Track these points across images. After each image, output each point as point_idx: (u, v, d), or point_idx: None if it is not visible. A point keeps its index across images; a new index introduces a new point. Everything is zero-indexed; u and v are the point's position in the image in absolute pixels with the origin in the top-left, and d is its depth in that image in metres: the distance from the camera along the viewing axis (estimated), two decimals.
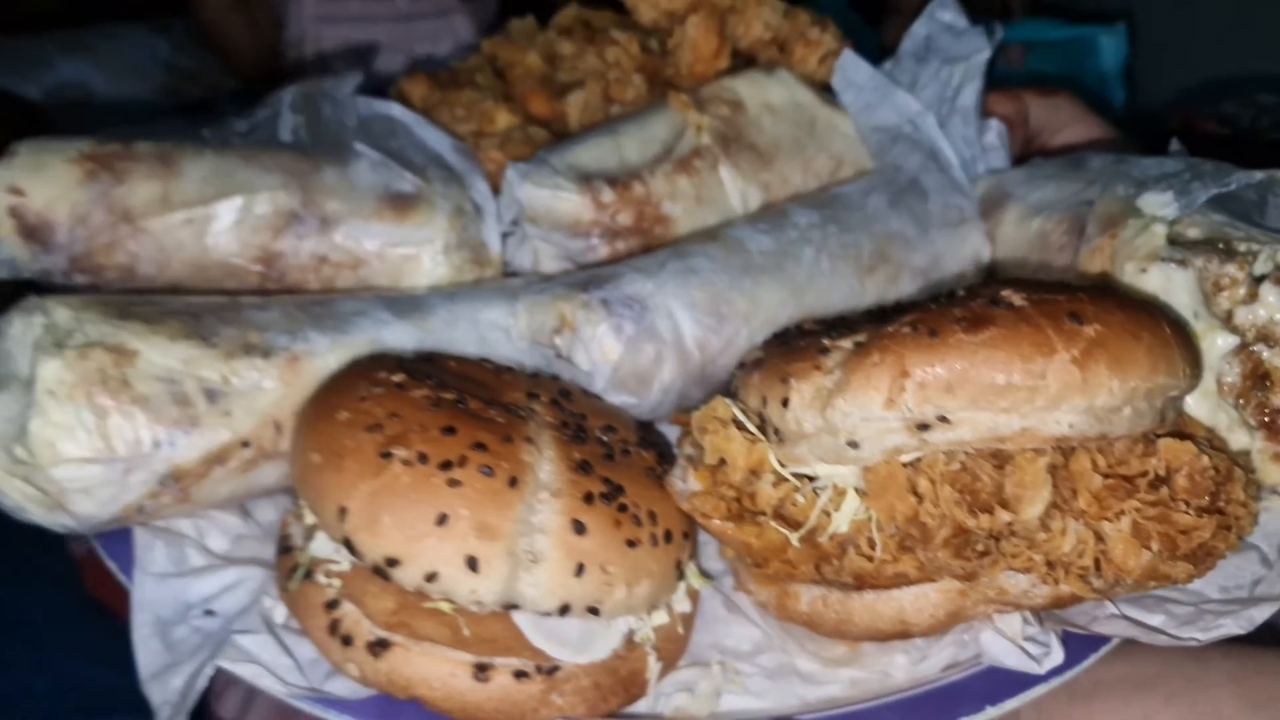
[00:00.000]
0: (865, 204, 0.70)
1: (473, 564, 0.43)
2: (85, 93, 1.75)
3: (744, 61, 0.86)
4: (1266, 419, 0.54)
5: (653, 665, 0.49)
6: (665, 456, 0.56)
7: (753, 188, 0.76)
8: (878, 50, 0.84)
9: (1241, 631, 0.48)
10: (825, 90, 0.84)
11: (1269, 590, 0.50)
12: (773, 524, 0.49)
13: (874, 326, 0.49)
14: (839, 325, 0.54)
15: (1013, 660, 0.48)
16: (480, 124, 0.83)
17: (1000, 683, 0.49)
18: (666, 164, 0.74)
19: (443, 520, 0.44)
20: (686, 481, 0.52)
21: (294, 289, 0.68)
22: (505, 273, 0.74)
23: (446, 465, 0.45)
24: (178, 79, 1.75)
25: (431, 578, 0.43)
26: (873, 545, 0.48)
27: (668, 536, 0.50)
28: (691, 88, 0.83)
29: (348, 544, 0.45)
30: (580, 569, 0.45)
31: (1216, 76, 1.18)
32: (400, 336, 0.60)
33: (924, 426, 0.45)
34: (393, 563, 0.44)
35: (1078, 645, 0.49)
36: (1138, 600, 0.50)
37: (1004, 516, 0.45)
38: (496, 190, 0.74)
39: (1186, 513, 0.46)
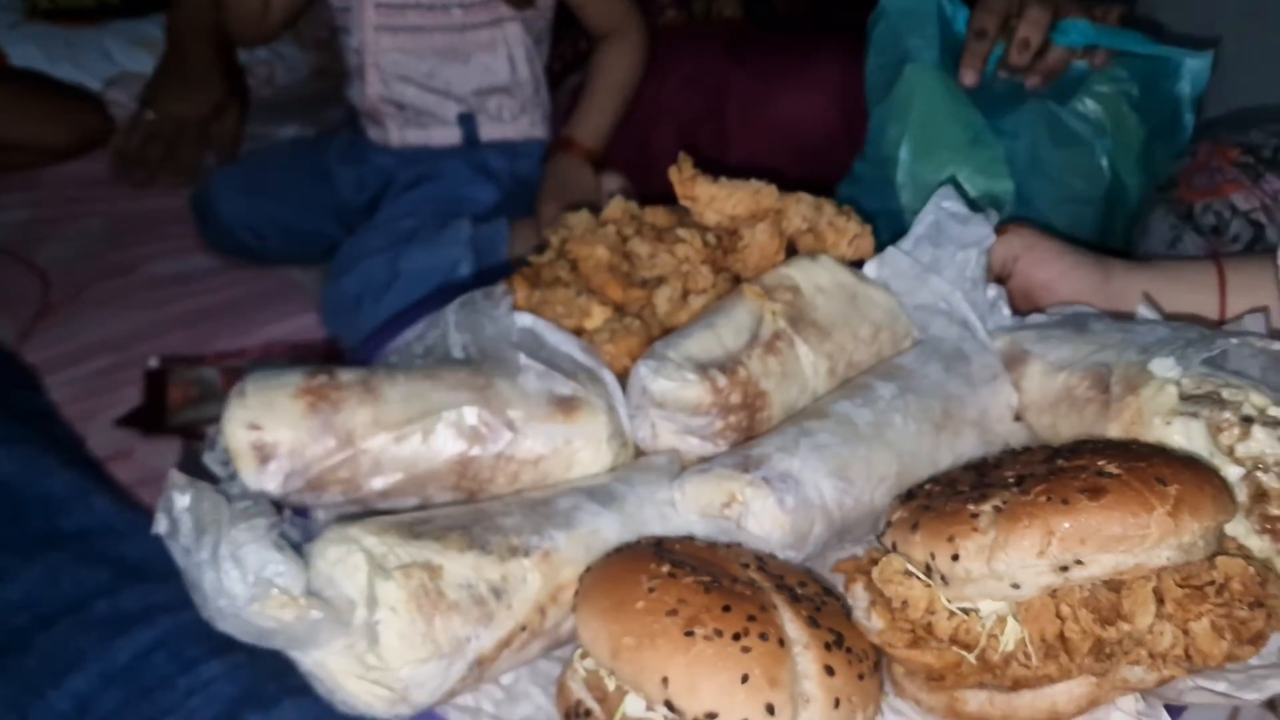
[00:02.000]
0: (926, 373, 0.89)
1: (770, 709, 0.59)
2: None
3: (787, 249, 1.05)
4: (1269, 526, 0.74)
5: None
6: (835, 595, 0.72)
7: (820, 358, 0.94)
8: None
9: None
10: (854, 266, 1.03)
11: None
12: (951, 649, 0.66)
13: (1003, 492, 0.67)
14: (960, 488, 0.72)
15: None
16: (579, 320, 0.99)
17: None
18: (757, 348, 0.91)
19: (745, 679, 0.59)
20: (871, 620, 0.69)
21: (483, 487, 0.82)
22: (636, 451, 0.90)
23: (736, 636, 0.60)
24: None
25: (710, 717, 0.58)
26: (1028, 656, 0.65)
27: (875, 667, 0.66)
28: (751, 277, 1.01)
29: (669, 705, 0.59)
30: (836, 703, 0.61)
31: (1252, 104, 1.23)
32: (609, 523, 0.75)
33: (1064, 568, 0.63)
34: (711, 715, 0.58)
35: (1174, 712, 0.67)
36: (1206, 674, 0.68)
37: (1125, 627, 0.63)
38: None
39: (1242, 609, 0.65)
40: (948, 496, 0.70)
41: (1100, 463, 0.66)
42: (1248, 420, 0.76)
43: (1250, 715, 0.76)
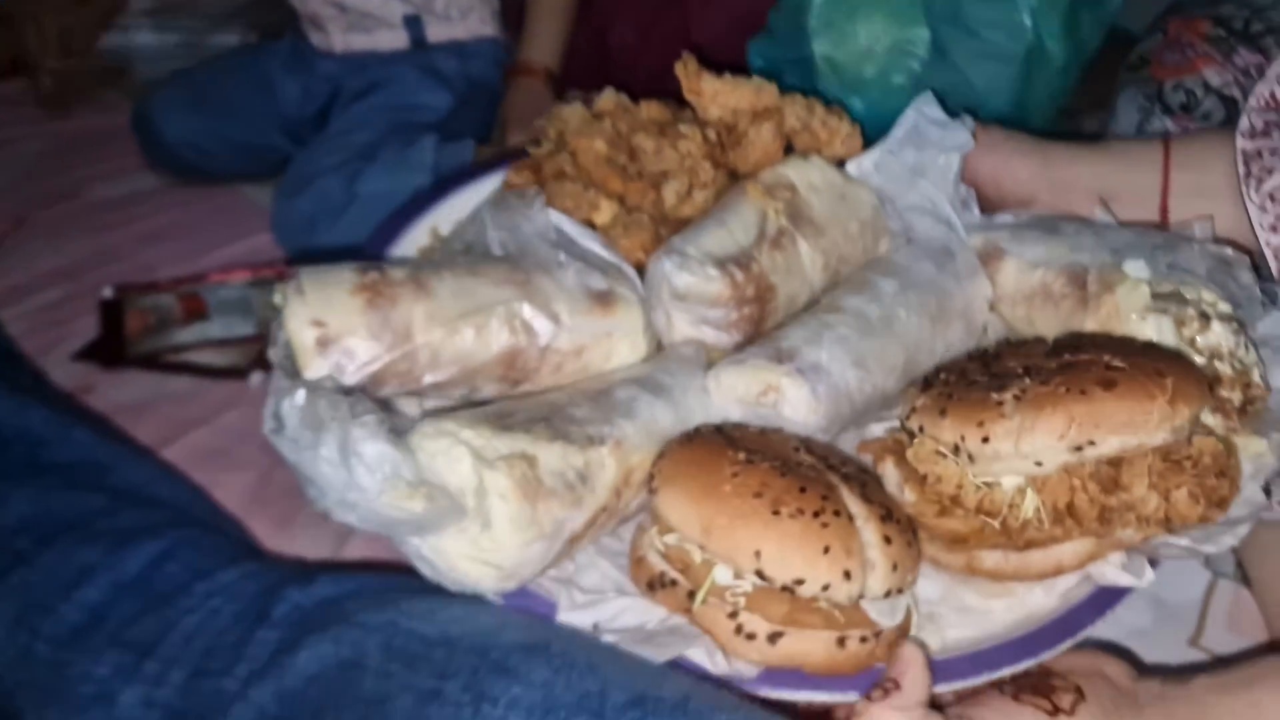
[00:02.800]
0: (921, 269, 0.97)
1: (847, 575, 0.68)
2: None
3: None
4: (1220, 406, 0.86)
5: (914, 616, 0.75)
6: (869, 471, 0.81)
7: (817, 254, 1.01)
8: None
9: (1235, 541, 0.80)
10: (840, 165, 1.10)
11: (1239, 514, 0.82)
12: (977, 517, 0.76)
13: (1018, 381, 0.77)
14: (973, 377, 0.81)
15: (1122, 580, 0.78)
16: (587, 213, 1.03)
17: (1108, 596, 0.79)
18: (765, 244, 0.98)
19: (826, 550, 0.68)
20: (904, 494, 0.79)
21: (528, 377, 0.87)
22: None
23: (816, 514, 0.68)
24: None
25: (825, 588, 0.67)
26: (1042, 522, 0.76)
27: (915, 534, 0.76)
28: (749, 174, 1.07)
29: (760, 574, 0.68)
30: (894, 566, 0.71)
31: None
32: (663, 412, 0.82)
33: (1079, 449, 0.73)
34: (799, 582, 0.67)
35: (1151, 564, 0.80)
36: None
37: (1123, 495, 0.75)
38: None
39: (1212, 479, 0.77)
40: (966, 385, 0.80)
41: (1106, 357, 0.76)
42: (1206, 316, 0.88)
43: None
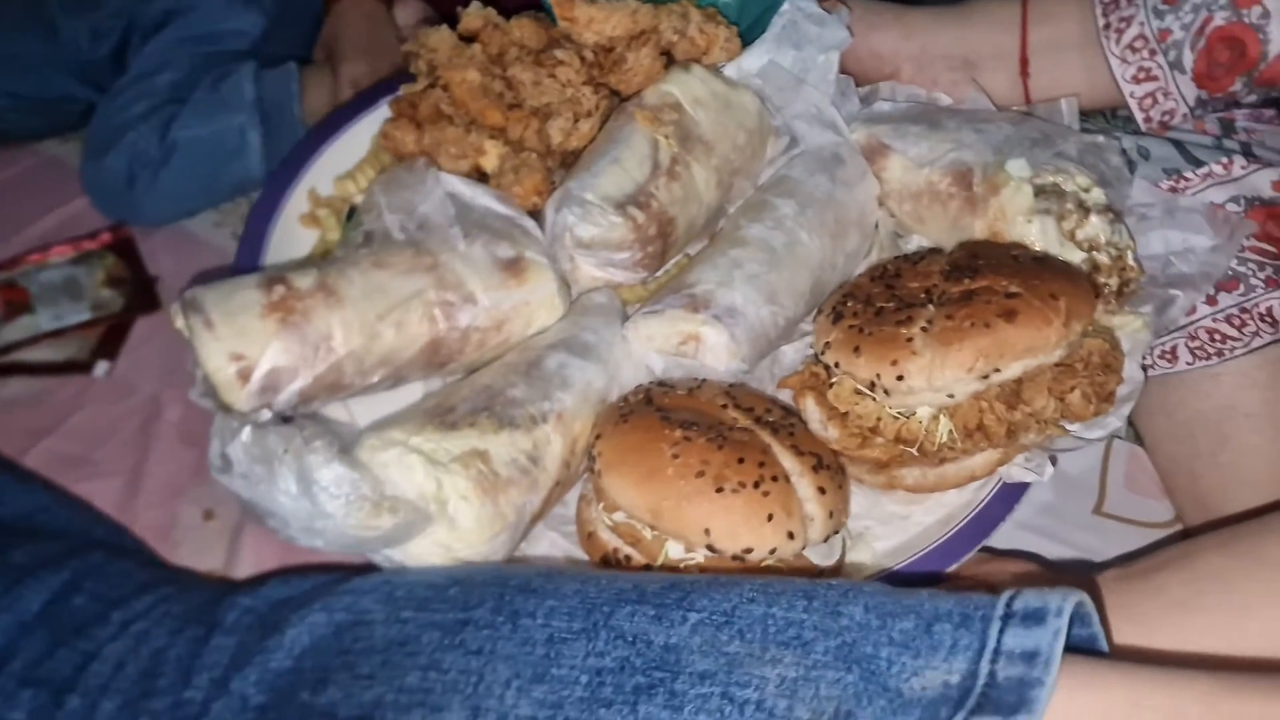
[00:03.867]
0: (816, 184, 0.99)
1: (791, 535, 0.73)
2: None
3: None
4: (1100, 293, 0.92)
5: (847, 543, 0.82)
6: (792, 411, 0.86)
7: (710, 173, 1.02)
8: None
9: (1120, 422, 0.88)
10: (717, 71, 1.09)
11: (1123, 393, 0.90)
12: (896, 445, 0.82)
13: (922, 311, 0.81)
14: (878, 304, 0.85)
15: (1028, 477, 0.86)
16: (474, 159, 1.01)
17: (1012, 493, 0.87)
18: (660, 176, 0.98)
19: (770, 518, 0.73)
20: (828, 431, 0.84)
21: (453, 358, 0.87)
22: None
23: (755, 484, 0.73)
24: None
25: (773, 551, 0.73)
26: (955, 442, 0.82)
27: (842, 470, 0.82)
28: (630, 95, 1.05)
29: (710, 548, 0.73)
30: (831, 514, 0.76)
31: None
32: (595, 374, 0.84)
33: (986, 376, 0.79)
34: (748, 550, 0.72)
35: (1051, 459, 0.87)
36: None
37: (1025, 409, 0.81)
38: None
39: (1101, 375, 0.84)
40: (874, 316, 0.84)
41: (1002, 283, 0.81)
42: (1084, 207, 0.93)
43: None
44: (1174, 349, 0.99)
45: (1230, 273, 0.98)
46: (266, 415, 0.74)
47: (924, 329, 0.80)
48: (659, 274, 1.01)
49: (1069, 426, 0.86)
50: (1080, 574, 0.79)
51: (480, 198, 0.94)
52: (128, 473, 0.96)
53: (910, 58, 1.12)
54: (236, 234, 1.17)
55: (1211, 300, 0.98)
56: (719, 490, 0.72)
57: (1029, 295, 0.79)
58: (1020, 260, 0.84)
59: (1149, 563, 0.73)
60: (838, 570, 0.79)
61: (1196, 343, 0.98)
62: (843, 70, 1.12)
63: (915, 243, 1.03)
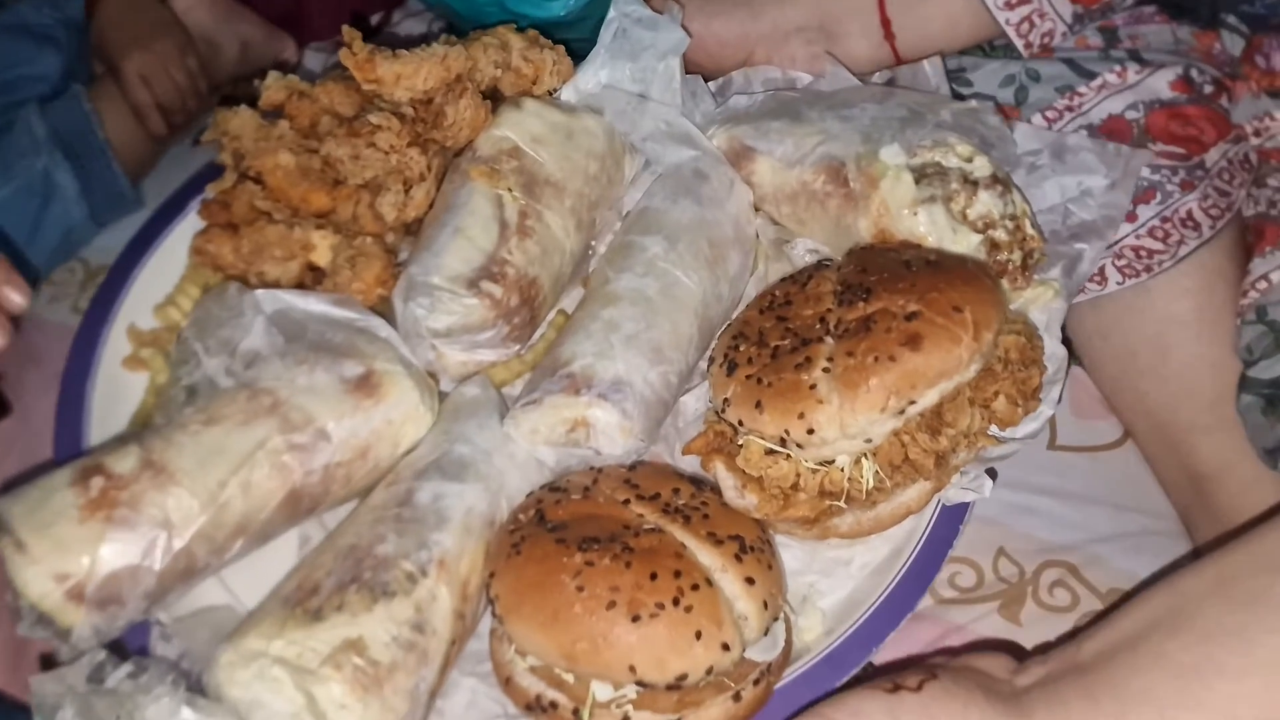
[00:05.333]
0: (681, 211, 0.89)
1: (726, 647, 0.65)
2: None
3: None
4: (1002, 269, 0.85)
5: (793, 618, 0.75)
6: (703, 484, 0.78)
7: (567, 217, 0.92)
8: None
9: (1051, 409, 0.82)
10: (551, 95, 0.99)
11: (1050, 376, 0.83)
12: (821, 500, 0.74)
13: (819, 348, 0.73)
14: (771, 342, 0.76)
15: (968, 497, 0.79)
16: (304, 258, 0.90)
17: (955, 513, 0.80)
18: (511, 236, 0.88)
19: (699, 635, 0.64)
20: (745, 499, 0.76)
21: (321, 501, 0.78)
22: None
23: (675, 602, 0.65)
24: None
25: (709, 670, 0.65)
26: (883, 481, 0.75)
27: (768, 543, 0.74)
28: (459, 148, 0.94)
29: (640, 684, 0.65)
30: (765, 604, 0.69)
31: None
32: (476, 496, 0.75)
33: (902, 411, 0.71)
34: (682, 678, 0.64)
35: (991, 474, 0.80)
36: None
37: (950, 431, 0.74)
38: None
39: (1022, 370, 0.77)
40: (769, 362, 0.75)
41: (899, 302, 0.73)
42: (971, 182, 0.85)
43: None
44: (1102, 270, 0.95)
45: (1145, 183, 0.94)
46: (85, 670, 0.62)
47: (826, 369, 0.72)
48: (535, 339, 0.92)
49: (999, 434, 0.79)
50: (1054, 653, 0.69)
51: (313, 306, 0.83)
52: None
53: (762, 37, 1.04)
54: (78, 307, 1.06)
55: (1131, 216, 0.94)
56: (635, 619, 0.64)
57: (930, 313, 0.72)
58: (913, 268, 0.76)
59: (1123, 629, 0.62)
60: (786, 655, 0.71)
61: (1123, 261, 0.95)
62: (692, 66, 1.02)
63: (801, 247, 0.94)
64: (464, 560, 0.72)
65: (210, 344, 0.76)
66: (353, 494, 0.79)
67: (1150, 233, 0.94)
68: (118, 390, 0.88)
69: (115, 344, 0.90)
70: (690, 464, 0.82)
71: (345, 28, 0.92)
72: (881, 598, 0.77)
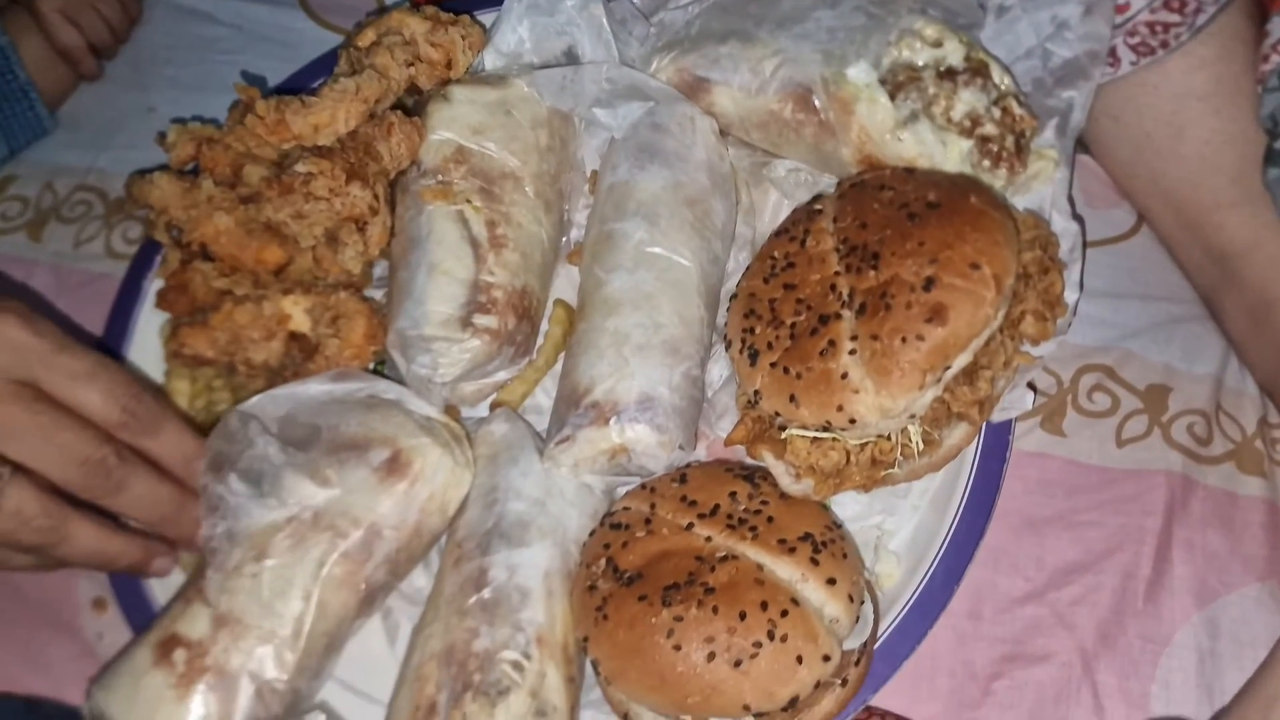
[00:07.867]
0: (650, 179, 0.84)
1: (827, 658, 0.68)
2: None
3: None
4: (994, 156, 0.81)
5: (878, 600, 0.77)
6: (759, 484, 0.77)
7: (533, 203, 0.87)
8: None
9: (1076, 294, 0.80)
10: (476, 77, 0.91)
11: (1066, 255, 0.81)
12: (874, 469, 0.75)
13: (841, 326, 0.71)
14: (787, 320, 0.74)
15: (1007, 414, 0.79)
16: (282, 331, 0.85)
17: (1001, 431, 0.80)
18: (487, 254, 0.84)
19: (800, 660, 0.67)
20: (801, 484, 0.76)
21: (391, 583, 0.78)
22: None
23: (770, 635, 0.66)
24: None
25: (818, 685, 0.68)
26: (931, 435, 0.75)
27: (838, 527, 0.75)
28: (398, 166, 0.87)
29: (757, 715, 0.67)
30: (850, 597, 0.70)
31: None
32: (547, 555, 0.75)
33: (940, 379, 0.70)
34: (794, 700, 0.67)
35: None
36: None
37: (986, 374, 0.73)
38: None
39: (1043, 280, 0.76)
40: (790, 345, 0.73)
41: (912, 268, 0.70)
42: (950, 75, 0.80)
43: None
44: (1114, 50, 0.87)
45: None
46: None
47: (852, 352, 0.71)
48: (541, 340, 0.89)
49: (1032, 351, 0.78)
50: None
51: (314, 390, 0.81)
52: None
53: None
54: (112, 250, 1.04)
55: None
56: (737, 664, 0.66)
57: (948, 276, 0.69)
58: (915, 218, 0.72)
59: None
60: (877, 623, 0.74)
61: (1136, 39, 0.86)
62: None
63: (781, 168, 0.90)
64: (558, 627, 0.73)
65: (234, 485, 0.74)
66: (417, 561, 0.79)
67: (1165, 3, 0.85)
68: None
69: None
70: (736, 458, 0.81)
71: (237, 85, 0.84)
72: (949, 536, 0.78)
